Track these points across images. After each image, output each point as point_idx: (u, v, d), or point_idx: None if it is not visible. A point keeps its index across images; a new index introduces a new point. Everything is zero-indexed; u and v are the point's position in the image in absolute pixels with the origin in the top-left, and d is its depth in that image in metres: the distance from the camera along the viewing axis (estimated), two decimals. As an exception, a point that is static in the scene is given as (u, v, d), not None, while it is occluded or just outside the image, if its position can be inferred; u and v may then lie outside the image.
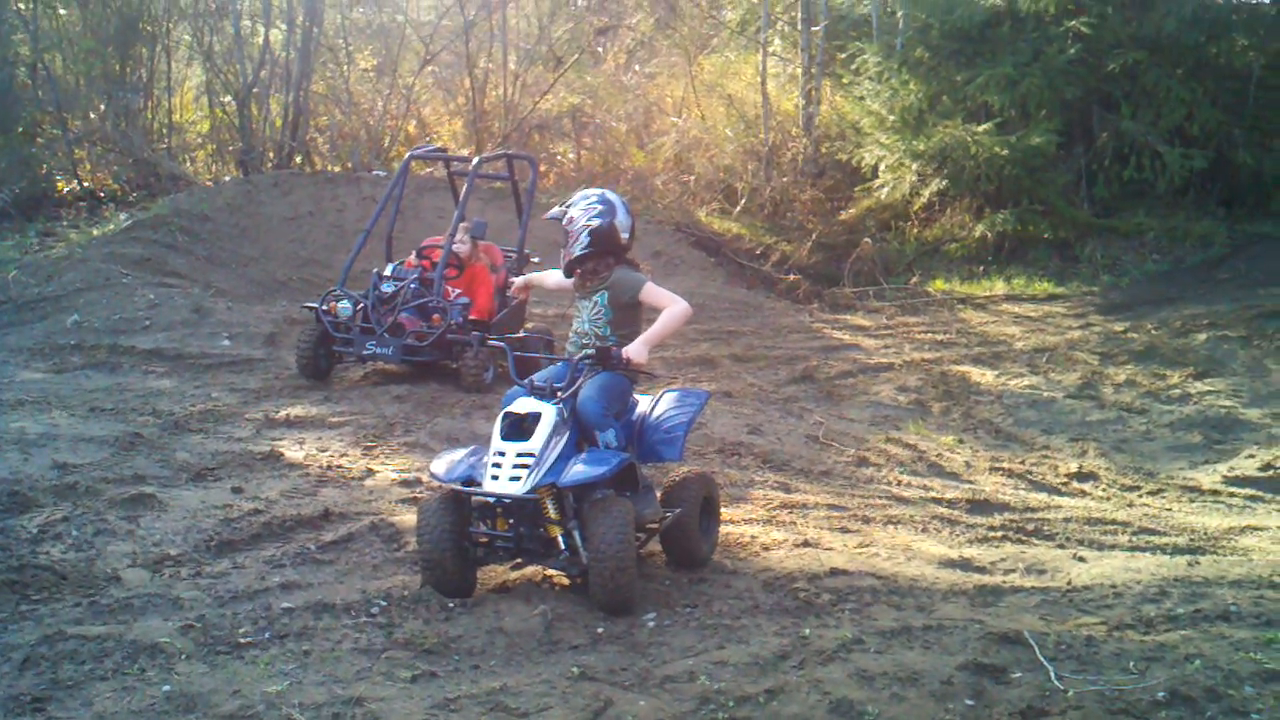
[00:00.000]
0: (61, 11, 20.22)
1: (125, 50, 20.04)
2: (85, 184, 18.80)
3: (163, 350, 10.94)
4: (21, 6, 19.21)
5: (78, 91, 20.00)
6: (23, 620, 5.08)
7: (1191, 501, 8.41)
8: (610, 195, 6.11)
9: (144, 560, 5.92)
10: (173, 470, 7.56)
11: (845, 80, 20.51)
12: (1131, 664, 4.80)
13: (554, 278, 6.55)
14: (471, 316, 10.62)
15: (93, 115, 19.92)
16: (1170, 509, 8.14)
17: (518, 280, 7.15)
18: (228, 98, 20.80)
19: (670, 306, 5.92)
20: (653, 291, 6.00)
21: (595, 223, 5.95)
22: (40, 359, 10.71)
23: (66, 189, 18.78)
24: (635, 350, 5.76)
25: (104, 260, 13.71)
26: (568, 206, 6.08)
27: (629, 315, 6.08)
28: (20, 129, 19.11)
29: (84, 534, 6.20)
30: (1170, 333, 13.22)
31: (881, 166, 18.54)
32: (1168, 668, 4.74)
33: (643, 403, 6.26)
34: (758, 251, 18.46)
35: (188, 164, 20.86)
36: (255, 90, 20.22)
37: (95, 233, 15.63)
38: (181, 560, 5.97)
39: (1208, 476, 9.03)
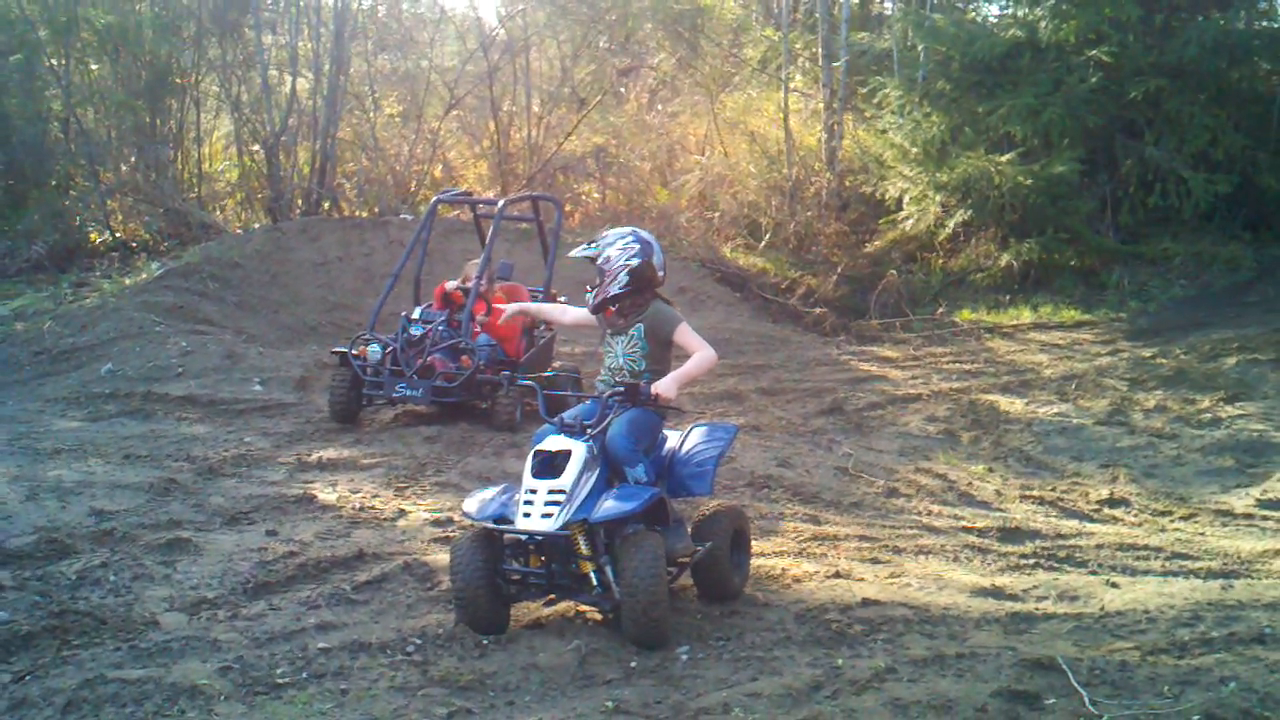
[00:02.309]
0: (93, 67, 20.59)
1: (155, 103, 20.38)
2: (117, 235, 19.04)
3: (196, 397, 11.04)
4: (54, 63, 19.54)
5: (109, 144, 20.35)
6: (64, 665, 5.14)
7: (1224, 525, 8.34)
8: (643, 233, 6.14)
9: (181, 604, 5.98)
10: (208, 515, 7.64)
11: (867, 114, 20.62)
12: (1166, 688, 4.79)
13: (572, 314, 6.60)
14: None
15: (124, 167, 20.24)
16: (1203, 533, 8.09)
17: (508, 309, 6.96)
18: (256, 146, 21.08)
19: (700, 351, 5.97)
20: (686, 333, 6.05)
21: (634, 262, 5.97)
22: (76, 408, 10.84)
23: (99, 240, 19.02)
24: (665, 386, 5.79)
25: (137, 309, 13.88)
26: (601, 245, 6.09)
27: (662, 351, 6.12)
28: (53, 182, 19.47)
29: (122, 579, 6.27)
30: (1199, 357, 13.16)
31: (905, 199, 18.59)
32: (1202, 691, 4.72)
33: (672, 438, 6.29)
34: (783, 286, 18.52)
35: (218, 212, 21.12)
36: (283, 138, 20.47)
37: (128, 282, 15.83)
38: (218, 603, 6.02)
39: (1240, 500, 8.96)
